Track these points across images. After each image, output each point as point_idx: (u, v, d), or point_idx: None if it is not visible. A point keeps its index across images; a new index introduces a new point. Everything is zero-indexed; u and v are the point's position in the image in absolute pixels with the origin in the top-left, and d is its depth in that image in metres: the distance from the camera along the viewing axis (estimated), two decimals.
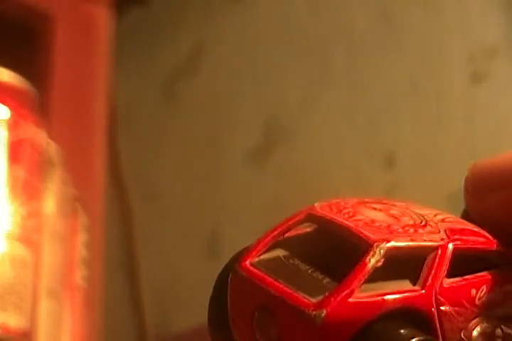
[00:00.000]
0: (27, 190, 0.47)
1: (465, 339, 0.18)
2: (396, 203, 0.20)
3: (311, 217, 0.19)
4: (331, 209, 0.19)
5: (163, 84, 1.02)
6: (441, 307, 0.17)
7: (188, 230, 0.92)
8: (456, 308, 0.18)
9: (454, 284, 0.18)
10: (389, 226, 0.18)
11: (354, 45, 0.83)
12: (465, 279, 0.18)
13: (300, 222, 0.19)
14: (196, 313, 0.85)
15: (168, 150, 0.99)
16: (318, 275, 0.17)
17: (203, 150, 0.95)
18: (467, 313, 0.18)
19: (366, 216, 0.18)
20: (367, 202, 0.20)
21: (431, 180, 0.73)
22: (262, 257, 0.18)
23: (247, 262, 0.18)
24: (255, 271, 0.18)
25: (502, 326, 0.18)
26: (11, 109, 0.48)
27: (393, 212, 0.19)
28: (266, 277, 0.17)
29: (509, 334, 0.18)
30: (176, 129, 0.99)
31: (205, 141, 0.95)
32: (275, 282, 0.17)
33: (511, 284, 0.19)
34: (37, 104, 0.51)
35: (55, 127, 0.84)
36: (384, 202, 0.20)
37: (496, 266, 0.19)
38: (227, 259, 0.75)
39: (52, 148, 0.54)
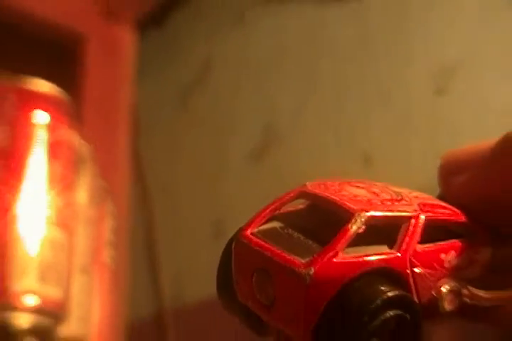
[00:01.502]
0: (63, 183, 0.47)
1: (435, 295, 0.17)
2: (377, 183, 0.20)
3: (302, 194, 0.19)
4: (320, 187, 0.19)
5: (178, 95, 1.01)
6: (415, 269, 0.17)
7: (198, 216, 0.92)
8: (428, 270, 0.17)
9: (426, 249, 0.17)
10: (369, 200, 0.18)
11: (337, 63, 0.82)
12: (435, 245, 0.18)
13: (294, 198, 0.19)
14: (207, 286, 0.85)
15: (182, 150, 0.98)
16: (308, 241, 0.17)
17: (211, 150, 0.94)
18: (437, 274, 0.18)
19: (350, 192, 0.18)
20: (351, 182, 0.19)
21: (401, 176, 0.72)
22: (260, 228, 0.18)
23: (248, 231, 0.18)
24: (254, 238, 0.18)
25: (468, 287, 0.18)
26: (50, 115, 0.48)
27: (374, 189, 0.19)
28: (263, 243, 0.17)
29: (476, 294, 0.18)
30: (188, 133, 0.99)
31: (213, 142, 0.94)
32: (271, 247, 0.17)
33: (475, 252, 0.19)
34: (72, 110, 0.51)
35: (86, 130, 0.84)
36: (366, 182, 0.20)
37: (462, 236, 0.19)
38: None
39: (84, 147, 0.54)
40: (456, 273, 0.18)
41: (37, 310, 0.42)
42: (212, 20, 1.00)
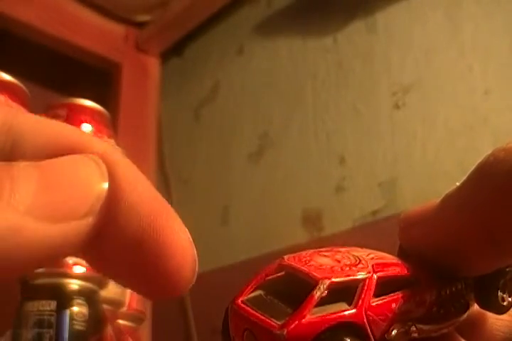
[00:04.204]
0: None
1: (387, 338, 0.17)
2: (341, 249, 0.19)
3: (280, 266, 0.18)
4: (294, 259, 0.18)
5: (192, 110, 1.01)
6: (371, 318, 0.17)
7: (208, 205, 0.91)
8: (381, 317, 0.17)
9: (379, 302, 0.17)
10: (332, 267, 0.17)
11: (317, 84, 0.82)
12: (387, 297, 0.17)
13: (274, 270, 0.19)
14: (213, 259, 0.85)
15: (196, 152, 0.98)
16: (283, 306, 0.17)
17: (219, 152, 0.94)
18: (390, 320, 0.17)
19: (317, 261, 0.18)
20: (320, 251, 0.19)
21: (368, 173, 0.72)
22: (248, 296, 0.18)
23: (239, 300, 0.18)
24: (243, 306, 0.17)
25: (416, 325, 0.18)
26: (92, 125, 0.48)
27: (337, 256, 0.18)
28: (249, 309, 0.17)
29: (422, 328, 0.18)
30: (201, 138, 0.98)
31: (220, 146, 0.94)
32: (255, 313, 0.17)
33: (421, 296, 0.18)
34: (109, 122, 0.51)
35: (120, 137, 0.84)
36: (334, 249, 0.19)
37: (410, 284, 0.18)
38: (234, 224, 0.77)
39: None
40: (405, 316, 0.18)
41: (84, 277, 0.42)
42: (219, 52, 1.00)
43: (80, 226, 0.13)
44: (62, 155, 0.13)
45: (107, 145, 0.14)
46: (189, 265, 0.15)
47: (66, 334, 0.40)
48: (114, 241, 0.14)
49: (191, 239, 0.15)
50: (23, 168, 0.13)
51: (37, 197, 0.12)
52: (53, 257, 0.13)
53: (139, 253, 0.14)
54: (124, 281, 0.15)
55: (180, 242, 0.14)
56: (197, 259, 0.15)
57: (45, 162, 0.13)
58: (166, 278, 0.14)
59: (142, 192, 0.14)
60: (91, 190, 0.13)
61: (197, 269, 0.15)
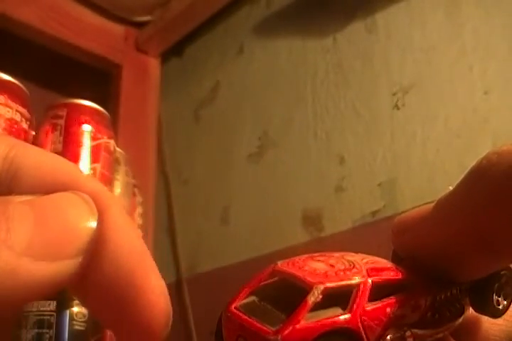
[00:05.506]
0: (102, 180, 0.47)
1: None
2: (335, 254, 0.19)
3: (274, 272, 0.18)
4: (288, 264, 0.18)
5: (192, 110, 1.01)
6: (365, 323, 0.17)
7: (208, 205, 0.91)
8: (376, 322, 0.17)
9: (374, 306, 0.17)
10: (326, 272, 0.17)
11: (317, 85, 0.82)
12: (382, 301, 0.17)
13: (268, 276, 0.18)
14: (214, 260, 0.85)
15: (196, 152, 0.98)
16: (277, 311, 0.17)
17: (219, 153, 0.94)
18: (385, 324, 0.17)
19: (310, 266, 0.18)
20: (314, 256, 0.19)
21: (368, 173, 0.72)
22: (242, 302, 0.18)
23: (232, 306, 0.18)
24: (236, 312, 0.17)
25: (411, 329, 0.18)
26: (92, 126, 0.48)
27: (331, 261, 0.18)
28: (242, 316, 0.17)
29: (417, 333, 0.18)
30: (201, 138, 0.98)
31: (220, 147, 0.94)
32: (248, 319, 0.17)
33: (416, 301, 0.18)
34: (110, 123, 0.51)
35: (121, 138, 0.84)
36: (327, 255, 0.19)
37: (404, 289, 0.18)
38: (234, 224, 0.77)
39: (118, 152, 0.54)
40: (400, 321, 0.18)
41: None
42: (219, 52, 1.00)
43: (73, 264, 0.13)
44: (58, 190, 0.14)
45: (101, 187, 0.15)
46: (161, 320, 0.15)
47: (66, 335, 0.40)
48: (95, 285, 0.14)
49: (166, 292, 0.15)
50: (18, 207, 0.13)
51: (32, 237, 0.13)
52: (47, 293, 0.13)
53: (116, 298, 0.14)
54: (100, 320, 0.16)
55: (153, 297, 0.15)
56: (170, 314, 0.15)
57: (38, 200, 0.14)
58: (138, 327, 0.15)
59: (126, 241, 0.15)
60: (82, 230, 0.14)
61: (170, 324, 0.15)
